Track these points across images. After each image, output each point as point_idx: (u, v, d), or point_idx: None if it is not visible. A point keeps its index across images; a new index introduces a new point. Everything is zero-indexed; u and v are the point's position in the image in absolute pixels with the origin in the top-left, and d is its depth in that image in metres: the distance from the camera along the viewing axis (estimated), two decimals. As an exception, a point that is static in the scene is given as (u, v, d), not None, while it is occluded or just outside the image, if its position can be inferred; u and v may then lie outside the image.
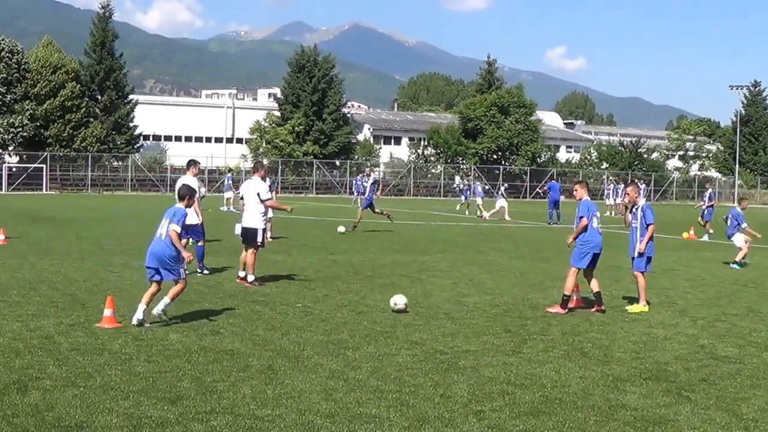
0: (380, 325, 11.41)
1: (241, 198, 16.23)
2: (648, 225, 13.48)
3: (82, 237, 23.95)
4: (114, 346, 9.59)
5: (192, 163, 17.12)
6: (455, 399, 7.84)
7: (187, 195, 11.57)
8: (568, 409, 7.60)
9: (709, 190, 35.35)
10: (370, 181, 31.30)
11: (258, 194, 15.40)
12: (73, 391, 7.68)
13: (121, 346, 9.59)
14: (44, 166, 69.57)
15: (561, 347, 10.31)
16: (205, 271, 16.30)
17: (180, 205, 11.44)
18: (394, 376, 8.65)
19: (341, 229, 28.11)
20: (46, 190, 68.34)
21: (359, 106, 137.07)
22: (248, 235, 15.39)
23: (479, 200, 45.18)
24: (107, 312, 10.79)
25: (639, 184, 16.59)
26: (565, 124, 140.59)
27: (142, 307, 10.86)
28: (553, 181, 45.51)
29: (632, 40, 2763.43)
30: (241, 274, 15.36)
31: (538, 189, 79.49)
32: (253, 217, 15.43)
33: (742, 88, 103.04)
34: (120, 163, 78.28)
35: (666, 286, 16.71)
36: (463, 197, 50.22)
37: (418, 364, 9.19)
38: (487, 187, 44.68)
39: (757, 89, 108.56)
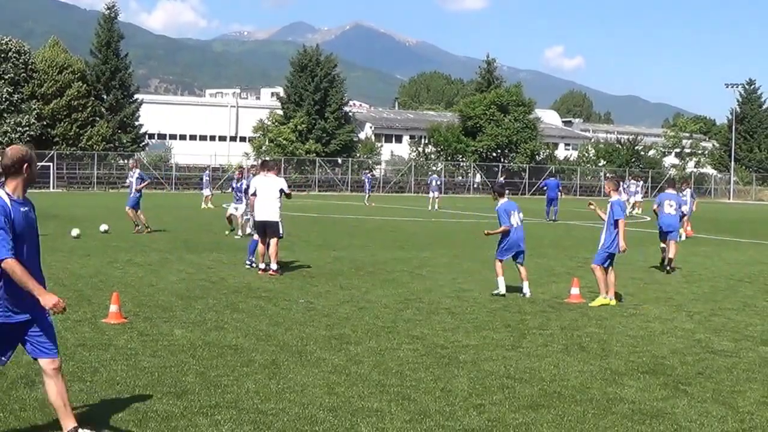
0: (382, 321, 11.51)
1: (253, 194, 16.60)
2: (616, 220, 13.60)
3: (88, 234, 24.04)
4: (120, 342, 9.69)
5: (274, 163, 18.29)
6: (456, 393, 7.91)
7: (503, 191, 14.78)
8: (566, 403, 7.67)
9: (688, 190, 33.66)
10: (135, 175, 26.35)
11: (281, 190, 16.43)
12: (79, 386, 7.76)
13: (127, 342, 9.69)
14: (51, 164, 69.62)
15: (560, 342, 10.40)
16: (253, 265, 16.88)
17: (504, 200, 14.29)
18: (395, 370, 8.73)
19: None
20: (53, 188, 68.41)
21: (361, 105, 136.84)
22: (269, 227, 16.31)
23: (433, 194, 47.01)
24: (113, 308, 10.89)
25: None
26: (563, 122, 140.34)
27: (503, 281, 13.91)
28: (551, 178, 45.49)
29: (629, 39, 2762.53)
30: (262, 266, 16.21)
31: (539, 184, 79.69)
32: (272, 211, 16.31)
33: (737, 87, 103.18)
34: (125, 161, 78.14)
35: (662, 281, 16.84)
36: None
37: (419, 359, 9.28)
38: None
39: (752, 87, 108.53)
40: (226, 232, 24.76)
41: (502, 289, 13.93)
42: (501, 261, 14.14)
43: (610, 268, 13.75)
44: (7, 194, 6.05)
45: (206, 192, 43.46)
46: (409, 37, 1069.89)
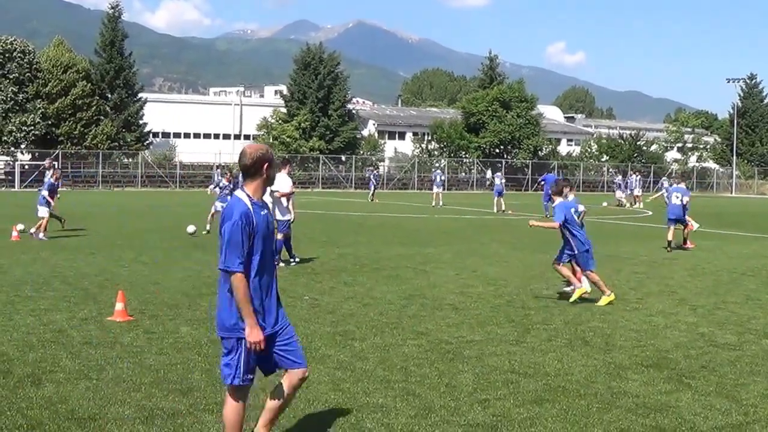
0: (386, 317, 11.53)
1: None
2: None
3: (94, 232, 24.12)
4: (125, 340, 9.72)
5: (286, 161, 18.64)
6: (460, 388, 7.94)
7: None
8: (571, 397, 7.69)
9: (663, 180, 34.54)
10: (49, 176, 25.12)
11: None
12: (86, 384, 7.78)
13: (133, 339, 9.72)
14: (56, 163, 69.82)
15: (564, 336, 10.42)
16: (281, 264, 17.09)
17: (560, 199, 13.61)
18: (400, 366, 8.75)
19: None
20: (58, 187, 68.57)
21: (364, 102, 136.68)
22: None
23: (437, 190, 47.30)
24: (119, 306, 10.92)
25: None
26: (565, 117, 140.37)
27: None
28: (548, 173, 45.63)
29: (631, 35, 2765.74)
30: None
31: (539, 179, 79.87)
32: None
33: (738, 81, 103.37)
34: (130, 160, 78.38)
35: (665, 275, 16.85)
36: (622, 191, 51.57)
37: (423, 355, 9.31)
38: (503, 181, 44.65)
39: (753, 82, 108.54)
40: (204, 232, 24.41)
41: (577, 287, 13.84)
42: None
43: (569, 264, 13.53)
44: (248, 196, 5.77)
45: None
46: (412, 34, 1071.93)
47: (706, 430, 6.89)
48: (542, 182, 40.94)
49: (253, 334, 5.62)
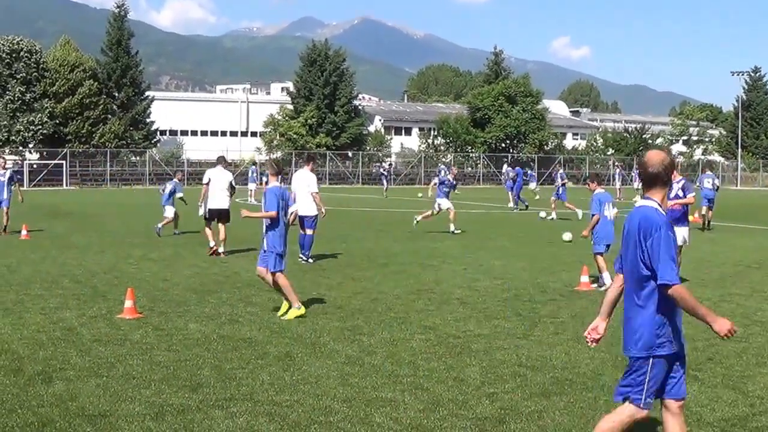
0: (394, 311, 11.57)
1: (206, 183, 18.65)
2: (267, 211, 11.19)
3: (102, 230, 24.20)
4: (135, 337, 9.78)
5: (310, 158, 19.42)
6: (468, 382, 7.97)
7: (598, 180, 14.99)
8: (578, 390, 7.71)
9: (560, 171, 34.82)
10: (7, 175, 23.62)
11: (231, 182, 18.62)
12: (96, 381, 7.83)
13: (142, 337, 9.77)
14: (64, 162, 70.01)
15: (570, 330, 10.43)
16: (310, 260, 17.31)
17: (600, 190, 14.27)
18: (408, 360, 8.79)
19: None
20: (67, 186, 68.72)
21: (370, 98, 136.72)
22: (221, 214, 18.31)
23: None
24: (128, 303, 10.98)
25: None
26: (571, 112, 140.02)
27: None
28: (517, 167, 45.83)
29: (635, 29, 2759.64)
30: (221, 249, 18.11)
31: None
32: (224, 200, 18.38)
33: (743, 74, 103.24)
34: (138, 158, 78.52)
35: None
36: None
37: (431, 349, 9.34)
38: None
39: (757, 75, 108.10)
40: (457, 232, 24.50)
41: (608, 282, 13.72)
42: (600, 254, 14.04)
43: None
44: (659, 205, 5.29)
45: (252, 186, 45.30)
46: (417, 30, 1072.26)
47: (713, 421, 6.90)
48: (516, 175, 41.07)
49: (721, 323, 5.09)
